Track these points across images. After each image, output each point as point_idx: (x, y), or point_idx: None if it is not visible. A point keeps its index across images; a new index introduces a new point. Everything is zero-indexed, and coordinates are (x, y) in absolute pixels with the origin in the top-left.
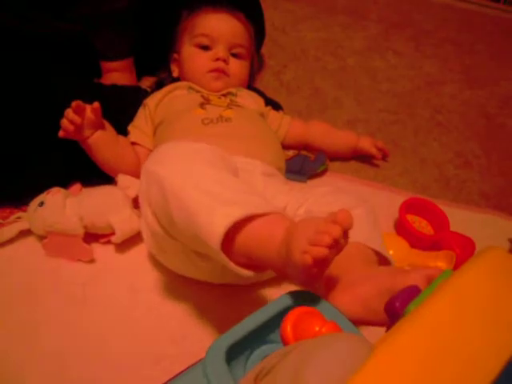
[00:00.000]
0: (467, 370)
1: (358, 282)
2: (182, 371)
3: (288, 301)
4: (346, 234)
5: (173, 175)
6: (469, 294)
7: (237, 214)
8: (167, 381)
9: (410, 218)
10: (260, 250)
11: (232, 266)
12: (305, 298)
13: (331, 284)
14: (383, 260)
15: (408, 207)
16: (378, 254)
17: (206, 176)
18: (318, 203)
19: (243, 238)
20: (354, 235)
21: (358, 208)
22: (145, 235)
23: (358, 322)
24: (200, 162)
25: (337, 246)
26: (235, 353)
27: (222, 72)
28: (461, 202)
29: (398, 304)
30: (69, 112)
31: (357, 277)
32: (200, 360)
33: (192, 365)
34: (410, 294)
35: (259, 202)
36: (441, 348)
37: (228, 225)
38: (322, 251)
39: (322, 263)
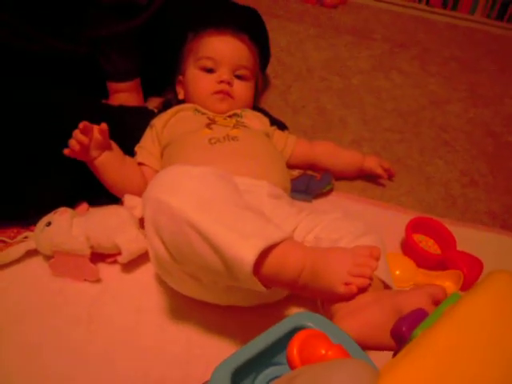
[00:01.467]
0: None
1: (366, 306)
2: None
3: (294, 323)
4: None
5: (188, 207)
6: (476, 319)
7: (260, 244)
8: None
9: (417, 237)
10: (279, 272)
11: (260, 287)
12: (311, 319)
13: (337, 309)
14: (388, 289)
15: (414, 226)
16: (383, 282)
17: (222, 207)
18: (328, 230)
19: (265, 264)
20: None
21: (366, 236)
22: (151, 256)
23: (367, 347)
24: (211, 191)
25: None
26: (241, 376)
27: (226, 94)
28: (467, 221)
29: (404, 328)
30: (77, 133)
31: (363, 301)
32: (205, 383)
33: None
34: (417, 317)
35: (273, 229)
36: (447, 375)
37: (256, 254)
38: (366, 282)
39: (363, 291)
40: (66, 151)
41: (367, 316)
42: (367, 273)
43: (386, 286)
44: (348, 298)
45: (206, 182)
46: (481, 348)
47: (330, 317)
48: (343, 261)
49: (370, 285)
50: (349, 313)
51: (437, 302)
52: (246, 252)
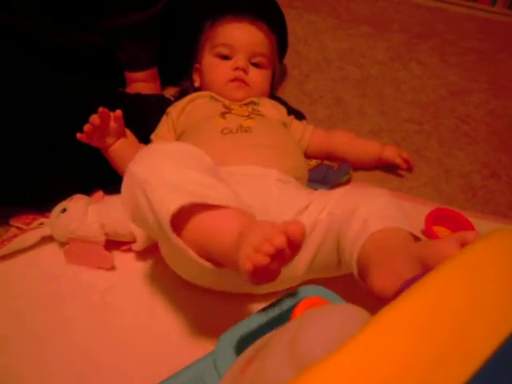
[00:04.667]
0: (461, 345)
1: (395, 261)
2: None
3: (300, 295)
4: (294, 246)
5: (142, 171)
6: (478, 271)
7: (184, 200)
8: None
9: (437, 229)
10: (211, 241)
11: (190, 252)
12: (317, 292)
13: (371, 270)
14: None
15: (434, 218)
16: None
17: (174, 171)
18: (340, 204)
19: (193, 226)
20: (387, 221)
21: (381, 196)
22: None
23: None
24: (172, 159)
25: (281, 256)
26: (246, 344)
27: (241, 81)
28: (489, 214)
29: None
30: (93, 117)
31: (392, 256)
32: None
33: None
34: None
35: (214, 192)
36: (440, 320)
37: (176, 207)
38: (263, 259)
39: (264, 271)
40: (78, 135)
41: (397, 270)
42: (265, 249)
43: (417, 239)
44: (247, 277)
45: (176, 155)
46: (484, 296)
47: (364, 280)
48: (257, 234)
49: (275, 266)
50: (384, 273)
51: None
52: (168, 204)
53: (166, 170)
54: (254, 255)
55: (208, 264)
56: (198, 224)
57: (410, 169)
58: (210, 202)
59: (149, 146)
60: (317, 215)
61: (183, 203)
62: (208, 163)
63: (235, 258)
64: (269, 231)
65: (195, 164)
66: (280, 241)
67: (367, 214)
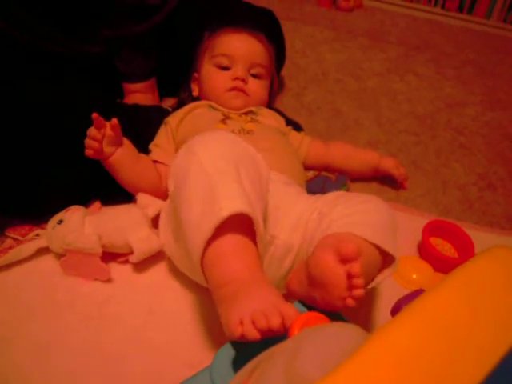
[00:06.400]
0: (461, 362)
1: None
2: None
3: (298, 309)
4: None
5: (212, 165)
6: (476, 289)
7: (241, 207)
8: None
9: (434, 240)
10: (215, 266)
11: (197, 266)
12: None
13: None
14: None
15: (431, 230)
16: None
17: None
18: (330, 204)
19: (223, 239)
20: (347, 226)
21: (368, 202)
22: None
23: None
24: (243, 163)
25: (271, 332)
26: (242, 360)
27: (240, 91)
28: (485, 225)
29: (403, 307)
30: (91, 130)
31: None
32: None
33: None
34: (416, 296)
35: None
36: (438, 339)
37: (234, 211)
38: (253, 333)
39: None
40: (87, 152)
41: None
42: (260, 325)
43: (383, 252)
44: (232, 338)
45: (243, 152)
46: (477, 316)
47: None
48: (261, 300)
49: (262, 336)
50: None
51: (344, 258)
52: (230, 203)
53: (239, 172)
54: (247, 325)
55: (203, 282)
56: (228, 241)
57: (404, 184)
58: (255, 222)
59: (214, 132)
60: (309, 215)
61: (239, 209)
62: (266, 176)
63: (220, 297)
64: (271, 310)
65: (259, 175)
66: (276, 324)
67: (337, 216)
